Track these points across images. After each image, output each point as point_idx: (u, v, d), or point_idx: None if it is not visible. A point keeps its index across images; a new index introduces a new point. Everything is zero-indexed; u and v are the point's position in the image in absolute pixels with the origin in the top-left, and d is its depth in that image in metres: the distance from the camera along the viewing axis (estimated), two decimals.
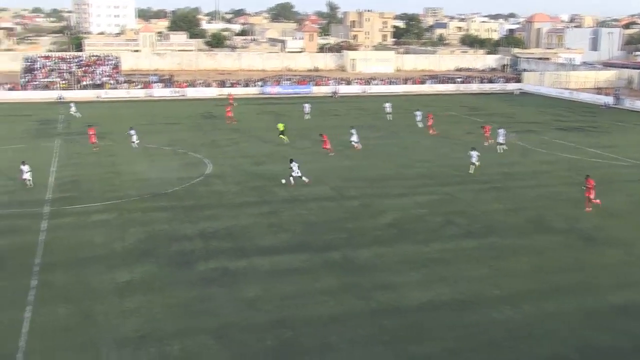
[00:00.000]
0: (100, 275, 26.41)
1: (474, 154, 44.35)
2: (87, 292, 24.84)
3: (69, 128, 62.83)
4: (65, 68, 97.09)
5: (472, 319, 23.22)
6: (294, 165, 40.53)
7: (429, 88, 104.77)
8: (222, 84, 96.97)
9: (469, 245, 30.86)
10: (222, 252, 29.31)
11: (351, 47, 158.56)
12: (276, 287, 25.61)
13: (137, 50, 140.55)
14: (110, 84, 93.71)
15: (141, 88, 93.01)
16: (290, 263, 28.16)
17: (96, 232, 31.73)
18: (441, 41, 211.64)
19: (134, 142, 52.19)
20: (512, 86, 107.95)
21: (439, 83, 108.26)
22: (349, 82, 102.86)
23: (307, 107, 70.27)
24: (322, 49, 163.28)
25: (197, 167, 45.73)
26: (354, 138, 52.30)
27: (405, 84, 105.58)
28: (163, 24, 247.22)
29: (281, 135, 54.94)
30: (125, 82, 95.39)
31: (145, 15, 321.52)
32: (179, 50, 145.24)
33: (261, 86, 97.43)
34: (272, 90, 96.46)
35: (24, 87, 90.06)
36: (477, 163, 44.04)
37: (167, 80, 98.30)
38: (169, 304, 23.91)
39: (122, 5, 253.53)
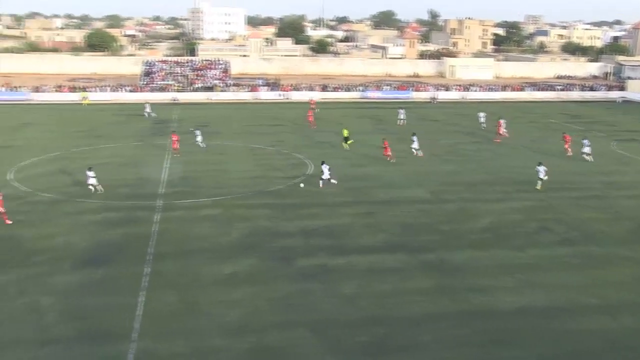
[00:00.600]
0: (207, 267, 27.22)
1: (542, 169, 40.91)
2: (195, 282, 25.67)
3: (182, 127, 65.00)
4: (179, 72, 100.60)
5: (568, 327, 22.41)
6: (325, 168, 40.39)
7: (527, 95, 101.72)
8: (324, 88, 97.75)
9: (565, 252, 29.78)
10: (321, 249, 29.58)
11: (451, 54, 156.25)
12: (372, 285, 25.61)
13: (245, 55, 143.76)
14: (220, 86, 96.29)
15: (249, 91, 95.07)
16: (387, 262, 28.08)
17: (204, 225, 32.72)
18: (542, 49, 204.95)
19: (198, 142, 53.17)
20: (614, 94, 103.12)
21: (539, 90, 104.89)
22: (447, 88, 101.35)
23: (401, 112, 69.56)
24: (422, 55, 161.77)
25: (299, 167, 46.30)
26: (415, 145, 51.15)
27: (504, 90, 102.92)
28: (270, 30, 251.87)
29: (344, 143, 53.84)
30: (234, 85, 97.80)
31: (254, 22, 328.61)
32: (284, 56, 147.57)
33: (362, 91, 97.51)
34: (373, 95, 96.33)
35: (142, 89, 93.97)
36: (544, 178, 40.98)
37: (273, 83, 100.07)
38: (269, 297, 24.36)
39: (232, 13, 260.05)
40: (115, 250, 29.00)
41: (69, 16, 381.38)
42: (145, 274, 26.29)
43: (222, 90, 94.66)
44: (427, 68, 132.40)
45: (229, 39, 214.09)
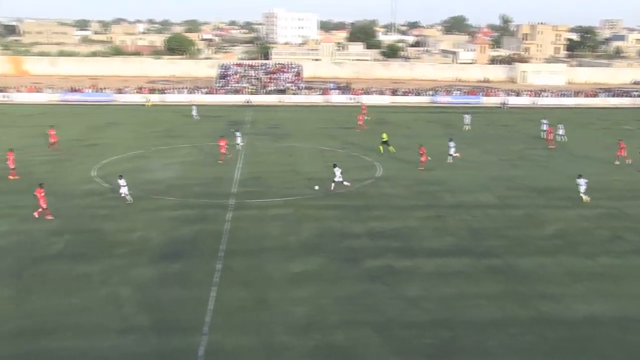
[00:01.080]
0: (276, 264, 27.54)
1: (582, 181, 37.63)
2: (264, 279, 26.01)
3: (255, 129, 65.99)
4: (253, 75, 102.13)
5: None
6: (337, 170, 39.71)
7: (601, 101, 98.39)
8: (394, 92, 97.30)
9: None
10: (388, 251, 29.47)
11: (522, 59, 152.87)
12: (438, 287, 25.35)
13: (317, 59, 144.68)
14: (292, 90, 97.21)
15: (320, 94, 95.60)
16: (453, 266, 27.73)
17: (274, 225, 33.11)
18: (618, 54, 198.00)
19: (238, 143, 53.32)
20: None
21: (613, 96, 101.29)
22: (518, 94, 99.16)
23: (467, 117, 68.37)
24: (493, 60, 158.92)
25: (368, 170, 46.25)
26: (452, 151, 50.06)
27: (577, 96, 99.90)
28: (342, 35, 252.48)
29: (381, 146, 52.92)
30: (305, 88, 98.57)
31: (326, 27, 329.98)
32: (356, 60, 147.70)
33: (432, 95, 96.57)
34: (443, 99, 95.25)
35: (217, 91, 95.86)
36: (584, 197, 37.71)
37: (344, 87, 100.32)
38: (336, 296, 24.44)
39: (305, 18, 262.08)
40: (190, 246, 29.71)
41: (151, 21, 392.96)
42: (217, 269, 26.82)
43: (294, 93, 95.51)
44: (497, 73, 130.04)
45: (302, 43, 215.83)
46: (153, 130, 63.15)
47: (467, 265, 27.89)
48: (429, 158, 47.06)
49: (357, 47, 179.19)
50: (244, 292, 24.68)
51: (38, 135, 58.13)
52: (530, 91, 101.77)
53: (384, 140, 53.29)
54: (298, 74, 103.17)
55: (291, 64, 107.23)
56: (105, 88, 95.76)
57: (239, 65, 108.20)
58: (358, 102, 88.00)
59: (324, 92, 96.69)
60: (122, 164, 46.67)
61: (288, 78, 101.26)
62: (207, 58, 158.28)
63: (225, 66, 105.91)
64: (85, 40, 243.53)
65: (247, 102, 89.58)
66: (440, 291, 25.03)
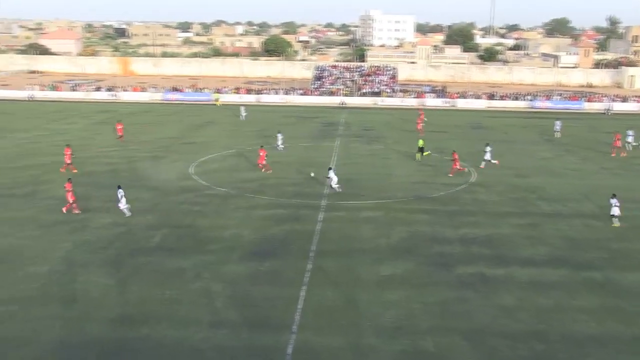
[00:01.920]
0: (366, 267, 27.45)
1: (614, 201, 33.84)
2: (353, 280, 25.98)
3: (349, 130, 66.14)
4: (348, 77, 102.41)
5: None
6: (331, 172, 39.47)
7: None
8: (491, 97, 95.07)
9: None
10: (480, 258, 28.78)
11: (631, 63, 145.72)
12: (533, 298, 24.50)
13: (413, 62, 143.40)
14: (387, 92, 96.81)
15: (415, 97, 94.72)
16: (548, 277, 26.73)
17: (365, 227, 33.02)
18: None
19: (278, 144, 52.78)
20: None
21: None
22: (624, 99, 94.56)
23: (558, 124, 65.10)
24: (597, 64, 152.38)
25: (462, 175, 45.35)
26: (488, 156, 48.09)
27: None
28: (439, 37, 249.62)
29: (418, 154, 50.91)
30: (400, 91, 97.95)
31: (422, 29, 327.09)
32: (452, 63, 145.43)
33: (530, 100, 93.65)
34: (542, 104, 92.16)
35: (312, 92, 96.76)
36: (616, 223, 34.02)
37: (440, 90, 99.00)
38: (425, 301, 24.08)
39: (402, 20, 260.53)
40: (281, 245, 30.09)
41: (250, 23, 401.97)
42: (307, 269, 27.01)
43: (388, 96, 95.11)
44: (602, 78, 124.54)
45: (398, 46, 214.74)
46: (248, 130, 64.47)
47: (564, 276, 26.81)
48: (465, 169, 45.75)
49: (454, 50, 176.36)
50: (333, 293, 24.73)
51: (140, 132, 60.58)
52: (639, 97, 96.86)
53: (420, 146, 51.44)
54: (393, 76, 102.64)
55: (386, 67, 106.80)
56: (204, 88, 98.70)
57: (335, 67, 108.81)
58: (420, 105, 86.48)
59: (419, 95, 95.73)
60: (218, 162, 47.90)
61: (383, 81, 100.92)
62: (303, 60, 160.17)
63: (321, 68, 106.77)
64: (187, 42, 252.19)
65: (342, 104, 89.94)
66: (535, 302, 24.18)
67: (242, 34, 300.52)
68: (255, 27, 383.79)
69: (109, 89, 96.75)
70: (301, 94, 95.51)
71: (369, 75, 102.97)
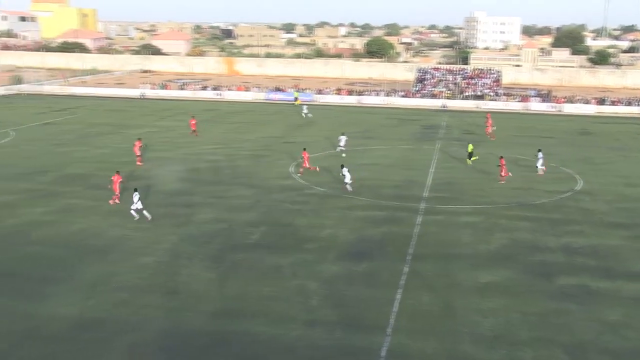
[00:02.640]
0: (464, 272, 26.92)
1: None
2: (451, 286, 25.55)
3: (450, 134, 65.14)
4: (450, 79, 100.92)
5: None
6: (345, 170, 39.82)
7: None
8: (601, 102, 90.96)
9: None
10: (585, 269, 27.58)
11: None
12: None
13: (518, 65, 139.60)
14: (490, 95, 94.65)
15: (519, 101, 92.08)
16: None
17: (463, 232, 32.42)
18: None
19: (341, 147, 51.54)
20: None
21: None
22: None
23: None
24: None
25: (567, 182, 43.67)
26: (539, 163, 45.52)
27: None
28: (547, 40, 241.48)
29: (468, 159, 48.97)
30: (504, 94, 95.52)
31: (529, 31, 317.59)
32: (559, 66, 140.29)
33: None
34: None
35: (414, 95, 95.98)
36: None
37: (545, 95, 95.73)
38: (525, 311, 23.32)
39: (508, 22, 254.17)
40: (377, 247, 30.02)
41: (352, 25, 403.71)
42: (403, 272, 26.81)
43: (491, 99, 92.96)
44: None
45: (503, 49, 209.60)
46: (350, 131, 64.66)
47: None
48: (510, 174, 43.47)
49: (562, 53, 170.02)
50: (429, 297, 24.42)
51: (243, 131, 62.15)
52: None
53: (469, 152, 49.56)
54: (497, 79, 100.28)
55: (490, 70, 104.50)
56: (306, 88, 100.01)
57: (437, 69, 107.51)
58: (487, 111, 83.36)
59: (523, 99, 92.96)
60: (317, 161, 48.32)
61: (486, 84, 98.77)
62: (405, 61, 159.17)
63: (423, 70, 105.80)
64: (291, 43, 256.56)
65: (443, 106, 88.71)
66: None
67: (344, 36, 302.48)
68: (358, 28, 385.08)
69: (215, 88, 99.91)
70: (402, 96, 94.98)
71: (471, 78, 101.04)
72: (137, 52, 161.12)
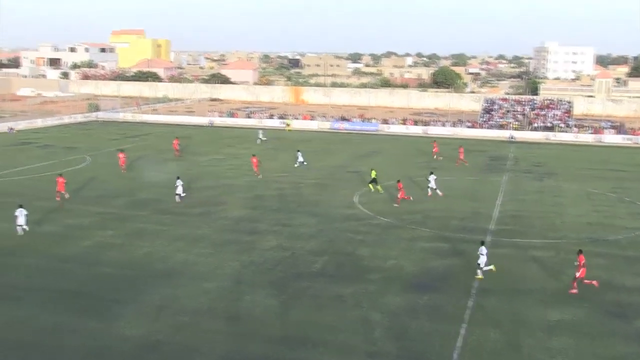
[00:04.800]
0: (532, 309, 26.07)
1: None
2: (517, 323, 24.75)
3: (517, 165, 63.80)
4: (519, 110, 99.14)
5: None
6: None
7: None
8: None
9: None
10: None
11: None
12: None
13: (590, 96, 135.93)
14: (560, 127, 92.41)
15: (591, 133, 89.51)
16: None
17: (532, 267, 31.49)
18: None
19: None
20: None
21: None
22: None
23: None
24: None
25: None
26: (431, 184, 46.28)
27: None
28: (622, 69, 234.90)
29: (371, 185, 47.74)
30: (575, 126, 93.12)
31: (603, 61, 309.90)
32: (636, 97, 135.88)
33: None
34: None
35: (481, 125, 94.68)
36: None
37: (620, 126, 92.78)
38: (598, 354, 22.31)
39: (580, 52, 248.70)
40: (441, 279, 29.46)
41: (419, 55, 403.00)
42: (468, 306, 26.17)
43: (562, 131, 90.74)
44: None
45: (574, 79, 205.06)
46: (415, 161, 64.29)
47: None
48: (410, 197, 43.87)
49: (639, 83, 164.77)
50: (495, 333, 23.71)
51: (308, 159, 62.49)
52: None
53: (373, 177, 48.31)
54: (568, 110, 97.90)
55: (560, 100, 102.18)
56: (372, 118, 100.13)
57: (505, 100, 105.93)
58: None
59: (596, 131, 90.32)
60: (384, 192, 47.98)
61: (556, 115, 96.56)
62: (472, 92, 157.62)
63: (491, 100, 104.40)
64: (357, 72, 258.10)
65: (511, 137, 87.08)
66: None
67: (411, 65, 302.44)
68: (424, 58, 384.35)
69: (281, 117, 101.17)
70: (469, 127, 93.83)
71: (541, 108, 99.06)
72: (206, 81, 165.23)
